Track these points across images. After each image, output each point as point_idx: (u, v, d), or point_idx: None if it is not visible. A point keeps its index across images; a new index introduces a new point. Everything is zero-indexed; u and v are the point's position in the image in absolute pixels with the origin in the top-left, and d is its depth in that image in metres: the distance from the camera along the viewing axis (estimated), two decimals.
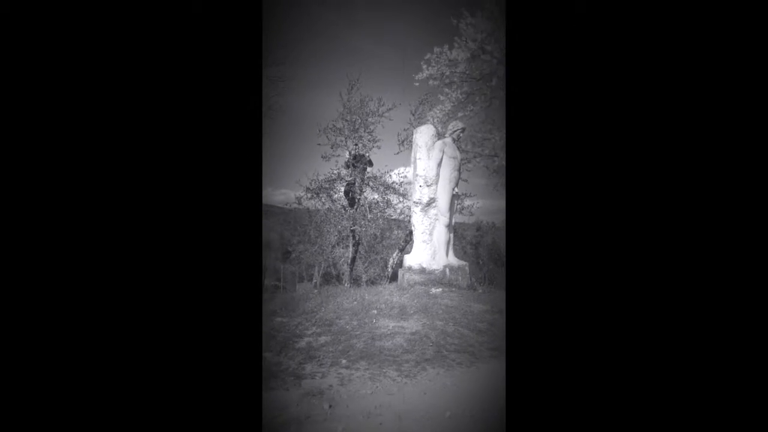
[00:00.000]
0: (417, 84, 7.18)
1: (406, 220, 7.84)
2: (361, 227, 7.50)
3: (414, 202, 5.98)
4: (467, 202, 9.08)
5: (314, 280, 8.40)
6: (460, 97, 7.01)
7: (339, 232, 7.59)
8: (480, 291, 5.46)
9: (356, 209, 7.56)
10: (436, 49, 6.84)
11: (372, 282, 7.59)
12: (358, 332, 3.47)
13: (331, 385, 2.52)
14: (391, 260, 8.21)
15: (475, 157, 7.35)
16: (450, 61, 6.73)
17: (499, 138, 7.17)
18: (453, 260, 5.87)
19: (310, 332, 3.49)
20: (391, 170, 8.20)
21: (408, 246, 7.59)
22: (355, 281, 7.75)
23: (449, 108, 7.11)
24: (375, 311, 4.09)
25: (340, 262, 7.90)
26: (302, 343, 3.22)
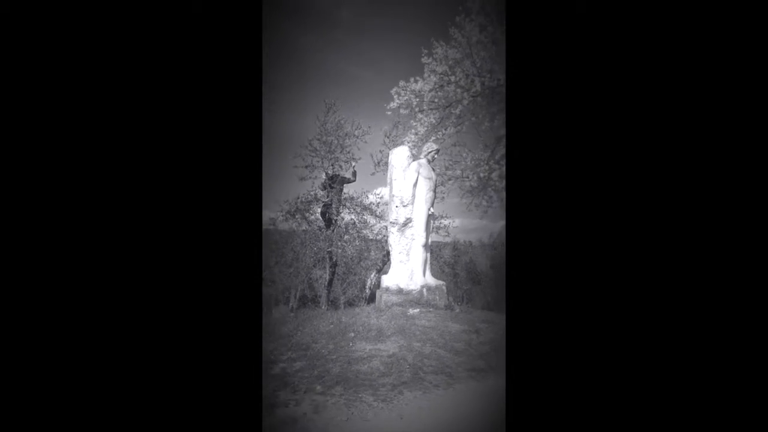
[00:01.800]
0: (389, 113, 7.39)
1: (383, 240, 7.85)
2: (338, 248, 7.45)
3: (391, 222, 6.00)
4: (444, 222, 9.20)
5: (291, 303, 8.23)
6: (433, 121, 7.22)
7: (315, 253, 7.51)
8: (457, 310, 5.47)
9: (333, 230, 7.52)
10: (401, 83, 7.12)
11: (350, 303, 7.49)
12: (334, 356, 3.40)
13: (305, 413, 2.45)
14: (368, 281, 8.16)
15: (449, 179, 7.52)
16: (414, 92, 6.98)
17: (470, 159, 7.37)
18: (430, 280, 5.88)
19: (285, 357, 3.40)
20: (368, 191, 8.27)
21: (386, 266, 7.56)
22: (333, 303, 7.64)
23: (423, 132, 7.30)
24: (352, 334, 4.02)
25: (317, 284, 7.79)
26: (276, 369, 3.13)
